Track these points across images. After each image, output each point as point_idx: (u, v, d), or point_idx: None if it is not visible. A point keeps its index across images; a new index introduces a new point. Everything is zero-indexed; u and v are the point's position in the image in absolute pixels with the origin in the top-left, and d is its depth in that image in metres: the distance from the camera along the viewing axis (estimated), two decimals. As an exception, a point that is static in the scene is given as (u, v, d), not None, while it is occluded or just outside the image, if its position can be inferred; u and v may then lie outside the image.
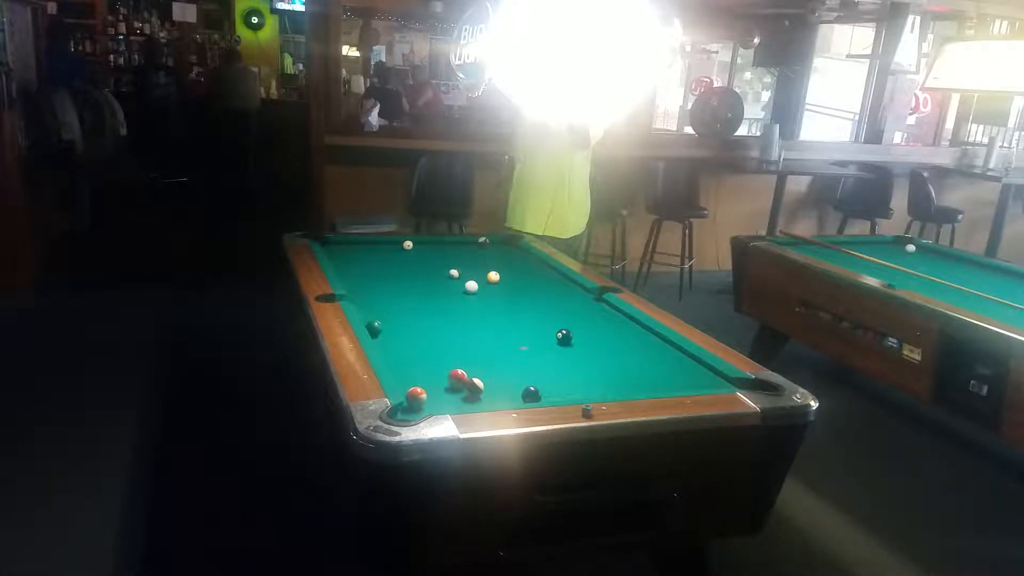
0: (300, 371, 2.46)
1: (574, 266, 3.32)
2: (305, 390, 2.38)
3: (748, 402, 1.92)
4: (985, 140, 7.43)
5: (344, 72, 6.89)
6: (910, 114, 7.72)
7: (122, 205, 6.72)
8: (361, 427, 1.62)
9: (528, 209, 3.86)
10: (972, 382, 2.90)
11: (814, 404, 1.95)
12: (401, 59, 10.94)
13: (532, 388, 1.86)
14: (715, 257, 6.02)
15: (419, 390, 1.75)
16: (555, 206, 3.82)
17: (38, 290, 4.77)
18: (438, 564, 1.79)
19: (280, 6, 10.15)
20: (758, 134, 7.32)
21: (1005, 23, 6.48)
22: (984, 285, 3.44)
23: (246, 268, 5.07)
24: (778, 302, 3.89)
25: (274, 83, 9.83)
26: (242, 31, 10.24)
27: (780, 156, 5.86)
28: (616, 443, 1.80)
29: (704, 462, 1.92)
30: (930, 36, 6.49)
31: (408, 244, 3.53)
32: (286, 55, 10.67)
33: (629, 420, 1.79)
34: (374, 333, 2.26)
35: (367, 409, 1.69)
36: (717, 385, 2.07)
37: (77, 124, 5.51)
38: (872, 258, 3.89)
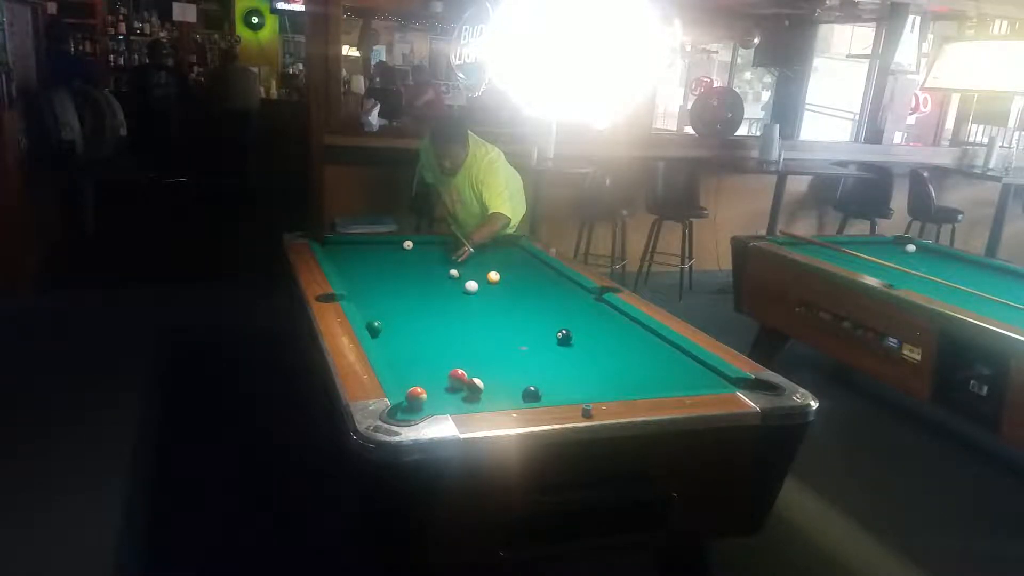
0: (300, 371, 2.46)
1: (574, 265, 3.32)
2: (305, 390, 2.38)
3: (748, 402, 1.92)
4: (985, 140, 7.42)
5: (344, 72, 6.87)
6: (910, 114, 7.71)
7: (122, 205, 6.71)
8: (361, 427, 1.62)
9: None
10: (972, 382, 2.90)
11: (814, 404, 1.95)
12: (401, 59, 10.93)
13: (532, 388, 1.86)
14: (715, 257, 6.02)
15: (419, 390, 1.75)
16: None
17: (38, 290, 4.77)
18: (438, 564, 1.79)
19: (280, 6, 10.13)
20: (758, 134, 7.30)
21: (1005, 23, 6.46)
22: (984, 285, 3.43)
23: (246, 268, 5.07)
24: (778, 302, 3.89)
25: (274, 83, 9.82)
26: (242, 31, 10.23)
27: (780, 156, 5.85)
28: (616, 443, 1.80)
29: (704, 462, 1.92)
30: (930, 36, 6.48)
31: (408, 244, 3.53)
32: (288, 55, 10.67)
33: (629, 420, 1.79)
34: (374, 333, 2.26)
35: (367, 409, 1.70)
36: (717, 385, 2.07)
37: (77, 124, 5.50)
38: (872, 258, 3.88)
